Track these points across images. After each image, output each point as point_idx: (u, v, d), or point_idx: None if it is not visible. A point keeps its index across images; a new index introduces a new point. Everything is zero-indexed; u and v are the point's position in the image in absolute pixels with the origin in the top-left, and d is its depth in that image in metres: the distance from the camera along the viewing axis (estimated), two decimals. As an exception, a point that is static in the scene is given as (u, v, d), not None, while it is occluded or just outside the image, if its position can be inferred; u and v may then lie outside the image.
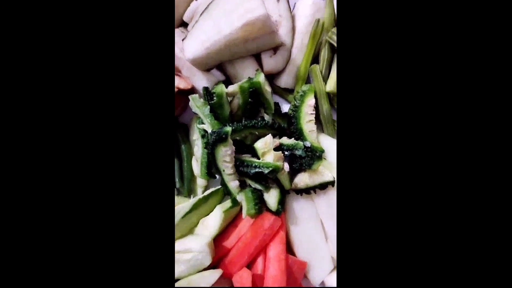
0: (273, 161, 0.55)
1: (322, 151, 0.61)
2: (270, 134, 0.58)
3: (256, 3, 0.55)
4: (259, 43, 0.59)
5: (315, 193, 0.59)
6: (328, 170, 0.59)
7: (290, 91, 0.66)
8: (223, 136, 0.54)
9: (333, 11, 0.64)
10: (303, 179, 0.58)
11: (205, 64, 0.61)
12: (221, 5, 0.58)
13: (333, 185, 0.57)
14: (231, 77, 0.64)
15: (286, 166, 0.58)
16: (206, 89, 0.59)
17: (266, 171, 0.55)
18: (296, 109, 0.61)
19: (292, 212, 0.61)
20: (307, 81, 0.65)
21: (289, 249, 0.60)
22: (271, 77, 0.66)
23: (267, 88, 0.58)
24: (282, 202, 0.57)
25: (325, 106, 0.62)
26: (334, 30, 0.62)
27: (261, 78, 0.57)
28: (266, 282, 0.53)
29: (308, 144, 0.60)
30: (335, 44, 0.62)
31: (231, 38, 0.57)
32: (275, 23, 0.63)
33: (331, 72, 0.63)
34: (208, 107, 0.58)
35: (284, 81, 0.65)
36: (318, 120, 0.64)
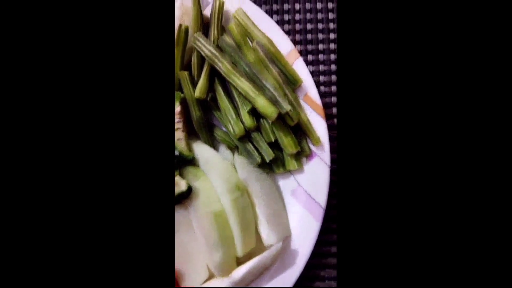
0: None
1: (191, 158, 0.60)
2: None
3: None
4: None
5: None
6: (193, 179, 0.58)
7: (168, 97, 0.65)
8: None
9: (198, 14, 0.62)
10: (167, 189, 0.58)
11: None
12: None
13: (187, 196, 0.56)
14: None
15: (151, 177, 0.58)
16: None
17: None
18: (164, 117, 0.61)
19: (167, 221, 0.60)
20: (180, 88, 0.64)
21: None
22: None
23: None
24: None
25: (195, 113, 0.62)
26: (198, 34, 0.61)
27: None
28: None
29: (176, 152, 0.60)
30: (199, 50, 0.61)
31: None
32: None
33: (201, 77, 0.62)
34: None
35: (158, 88, 0.64)
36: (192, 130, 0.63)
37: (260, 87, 0.58)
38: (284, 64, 0.61)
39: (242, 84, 0.57)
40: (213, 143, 0.64)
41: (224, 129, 0.64)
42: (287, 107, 0.56)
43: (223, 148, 0.64)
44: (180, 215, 0.60)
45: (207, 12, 0.65)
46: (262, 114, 0.57)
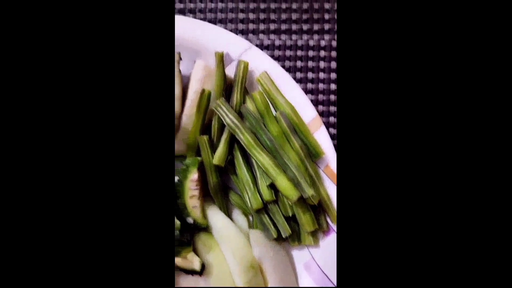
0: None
1: (205, 226, 0.59)
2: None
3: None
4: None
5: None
6: (205, 250, 0.57)
7: (184, 156, 0.64)
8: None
9: (221, 80, 0.60)
10: (177, 260, 0.57)
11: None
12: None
13: (200, 274, 0.55)
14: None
15: (163, 245, 0.56)
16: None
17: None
18: (179, 183, 0.59)
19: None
20: (198, 152, 0.62)
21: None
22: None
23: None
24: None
25: (212, 179, 0.60)
26: (221, 102, 0.59)
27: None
28: None
29: (190, 220, 0.59)
30: (221, 117, 0.59)
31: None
32: (163, 90, 0.61)
33: (220, 143, 0.60)
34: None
35: (176, 149, 0.63)
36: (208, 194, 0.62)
37: (282, 164, 0.56)
38: (306, 135, 0.60)
39: (263, 159, 0.56)
40: (227, 207, 0.63)
41: (239, 193, 0.62)
42: (309, 192, 0.54)
43: (237, 212, 0.63)
44: (191, 280, 0.59)
45: (228, 70, 0.64)
46: (283, 194, 0.56)
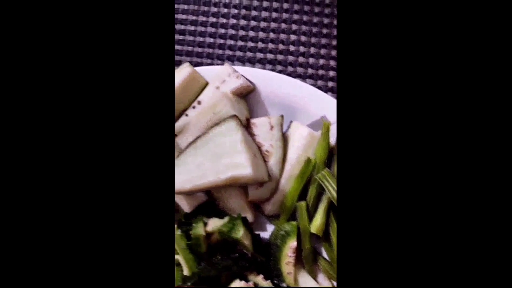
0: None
1: (298, 294, 0.60)
2: (243, 283, 0.56)
3: (244, 160, 0.53)
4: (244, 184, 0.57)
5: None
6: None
7: (275, 216, 0.64)
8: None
9: (326, 150, 0.61)
10: (274, 328, 0.57)
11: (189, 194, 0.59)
12: (211, 146, 0.55)
13: None
14: (216, 199, 0.62)
15: (259, 312, 0.57)
16: (183, 224, 0.58)
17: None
18: (277, 248, 0.60)
19: None
20: (293, 214, 0.63)
21: None
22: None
23: (246, 242, 0.56)
24: None
25: (306, 245, 0.61)
26: (326, 173, 0.59)
27: (240, 234, 0.55)
28: None
29: (284, 285, 0.59)
30: (325, 188, 0.59)
31: (215, 184, 0.55)
32: (266, 153, 0.61)
33: (317, 212, 0.60)
34: (184, 241, 0.57)
35: (269, 210, 0.63)
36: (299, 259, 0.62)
37: (387, 245, 0.57)
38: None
39: (370, 239, 0.56)
40: (314, 271, 0.63)
41: (328, 259, 0.63)
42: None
43: (322, 276, 0.63)
44: None
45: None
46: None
